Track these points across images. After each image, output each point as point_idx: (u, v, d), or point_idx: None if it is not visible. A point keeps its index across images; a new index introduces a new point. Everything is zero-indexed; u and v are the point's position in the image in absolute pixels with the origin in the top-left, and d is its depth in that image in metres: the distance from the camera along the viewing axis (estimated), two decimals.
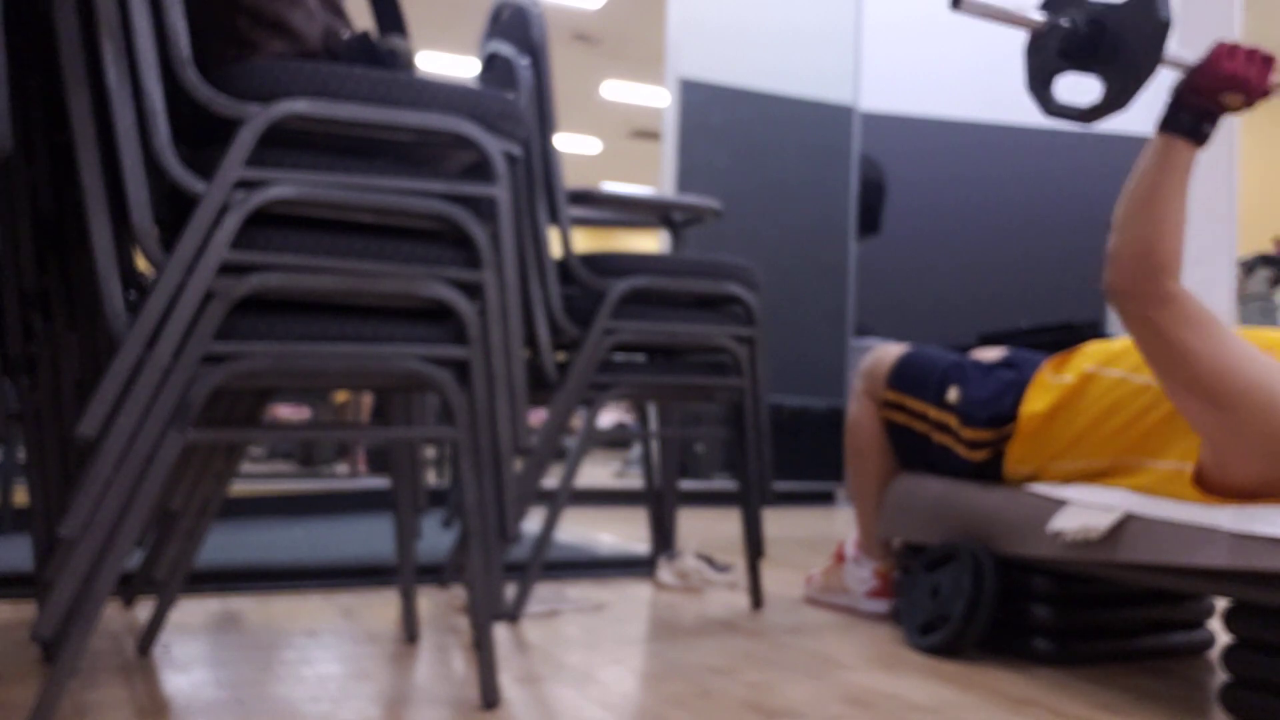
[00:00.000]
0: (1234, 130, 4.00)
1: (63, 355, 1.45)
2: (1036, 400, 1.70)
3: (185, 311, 1.14)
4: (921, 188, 4.77)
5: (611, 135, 10.98)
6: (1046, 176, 4.74)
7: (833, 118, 4.78)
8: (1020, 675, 1.57)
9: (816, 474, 4.65)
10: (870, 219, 4.76)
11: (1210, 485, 1.41)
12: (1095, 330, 3.48)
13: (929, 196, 4.76)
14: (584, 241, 2.21)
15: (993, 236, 4.78)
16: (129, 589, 1.90)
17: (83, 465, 1.20)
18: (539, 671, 1.52)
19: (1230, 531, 1.32)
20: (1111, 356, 1.63)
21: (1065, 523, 1.53)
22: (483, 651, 1.31)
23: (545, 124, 1.85)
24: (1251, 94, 1.38)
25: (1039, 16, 1.47)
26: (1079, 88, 1.45)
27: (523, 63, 1.72)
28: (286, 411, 6.17)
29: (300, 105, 1.18)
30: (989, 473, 1.77)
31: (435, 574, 2.17)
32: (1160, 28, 1.34)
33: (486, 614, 1.32)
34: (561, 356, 1.95)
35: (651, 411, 2.46)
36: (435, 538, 2.43)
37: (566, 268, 1.92)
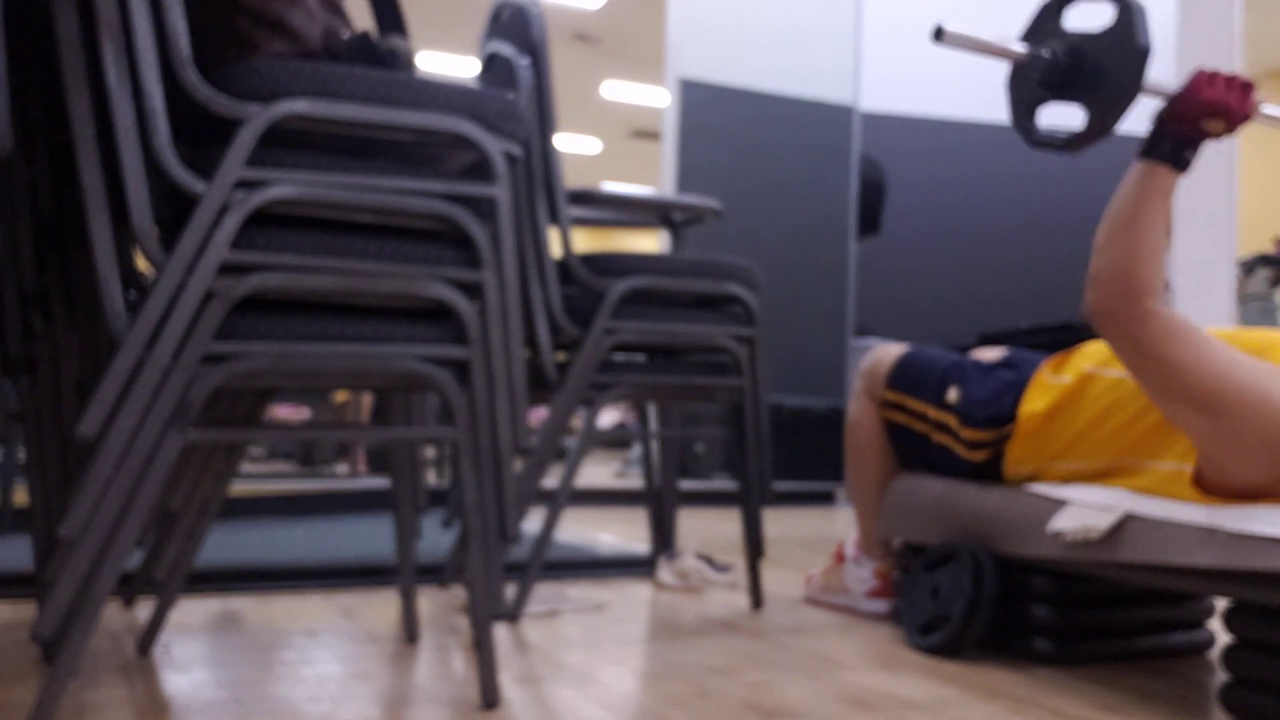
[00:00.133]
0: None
1: (63, 355, 1.45)
2: (1036, 400, 1.70)
3: (185, 311, 1.14)
4: (921, 188, 4.77)
5: (611, 135, 10.98)
6: (1046, 176, 4.74)
7: (833, 118, 4.78)
8: (1020, 675, 1.57)
9: (816, 474, 4.65)
10: (870, 219, 4.76)
11: (1209, 486, 1.41)
12: (1095, 331, 3.47)
13: (929, 196, 4.76)
14: (584, 241, 2.21)
15: (993, 236, 4.78)
16: (129, 589, 1.90)
17: (83, 465, 1.20)
18: (539, 671, 1.52)
19: (1230, 531, 1.32)
20: (1110, 357, 1.63)
21: (1065, 523, 1.53)
22: (483, 651, 1.31)
23: (545, 124, 1.85)
24: (1232, 120, 1.41)
25: (1020, 48, 1.48)
26: (1067, 112, 1.46)
27: (523, 63, 1.72)
28: (286, 411, 6.17)
29: (300, 105, 1.18)
30: (989, 473, 1.77)
31: (435, 574, 2.17)
32: (1140, 56, 1.36)
33: (486, 614, 1.32)
34: (561, 356, 1.95)
35: (651, 411, 2.46)
36: (435, 538, 2.43)
37: (566, 268, 1.92)
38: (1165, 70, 4.35)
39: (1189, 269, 4.10)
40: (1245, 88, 1.40)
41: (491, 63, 1.86)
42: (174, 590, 1.58)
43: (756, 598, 2.06)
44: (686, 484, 3.75)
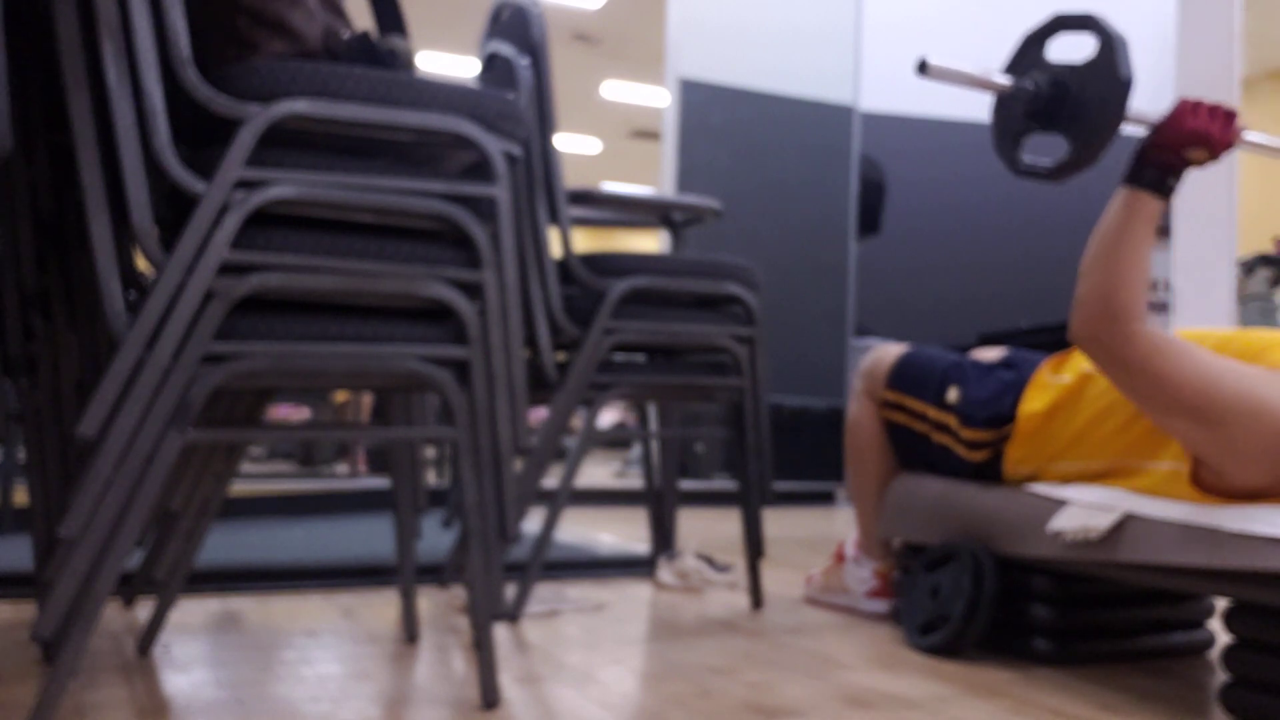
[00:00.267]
0: None
1: (63, 355, 1.45)
2: (1035, 400, 1.70)
3: (185, 311, 1.14)
4: (921, 188, 4.77)
5: (611, 135, 10.98)
6: None
7: (833, 118, 4.78)
8: (1020, 675, 1.57)
9: (816, 474, 4.65)
10: (870, 219, 4.76)
11: (1208, 487, 1.41)
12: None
13: (929, 196, 4.76)
14: (584, 241, 2.21)
15: (993, 236, 4.78)
16: (129, 589, 1.90)
17: (83, 465, 1.20)
18: (539, 671, 1.52)
19: (1230, 531, 1.32)
20: None
21: (1065, 523, 1.53)
22: (483, 651, 1.31)
23: (545, 124, 1.85)
24: (1214, 148, 1.43)
25: (1004, 80, 1.49)
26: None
27: (523, 63, 1.72)
28: (286, 411, 6.17)
29: (300, 105, 1.18)
30: (989, 473, 1.77)
31: (435, 574, 2.17)
32: (1122, 87, 1.38)
33: (486, 614, 1.32)
34: (561, 356, 1.95)
35: (651, 411, 2.46)
36: (435, 538, 2.43)
37: (566, 268, 1.92)
38: (1166, 71, 4.35)
39: (1189, 269, 4.10)
40: (1228, 116, 1.43)
41: (491, 63, 1.86)
42: (174, 590, 1.58)
43: (756, 598, 2.06)
44: (686, 484, 3.75)
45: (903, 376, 1.92)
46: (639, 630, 1.85)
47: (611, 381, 1.96)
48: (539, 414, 1.95)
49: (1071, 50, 1.47)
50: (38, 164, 1.39)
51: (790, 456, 4.37)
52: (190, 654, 1.56)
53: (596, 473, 6.24)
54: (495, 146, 1.31)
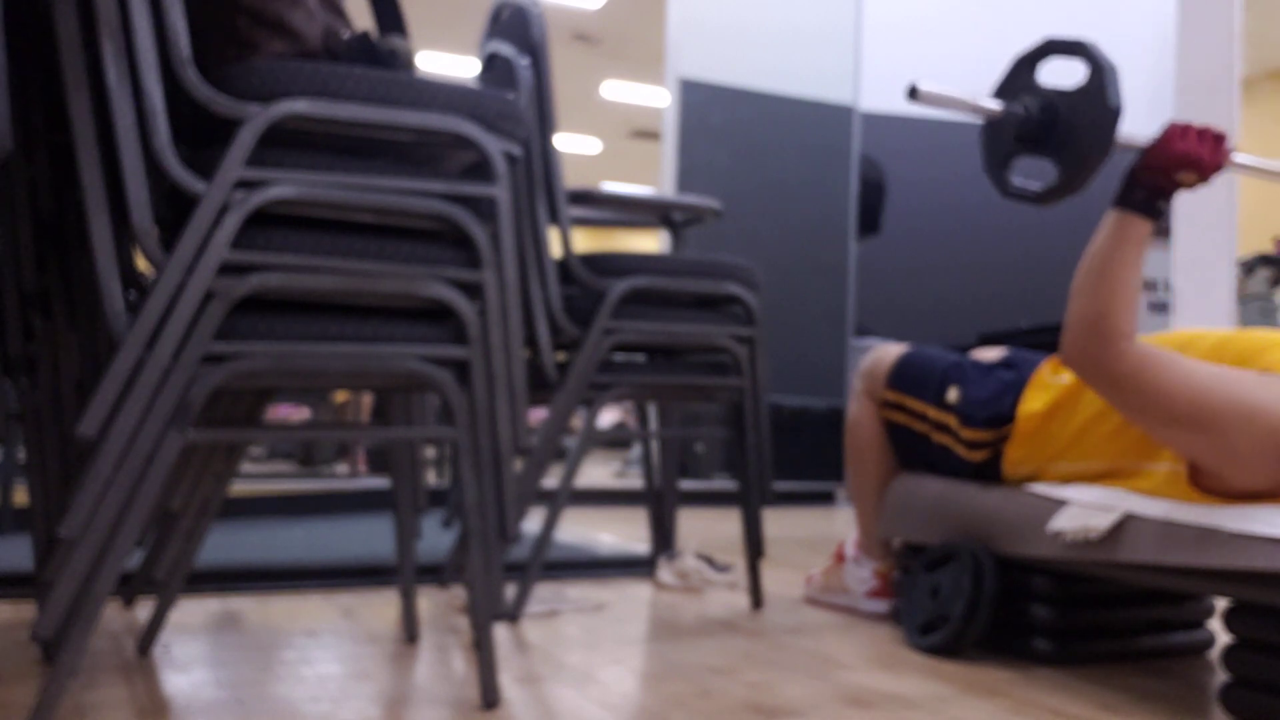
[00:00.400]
0: (1234, 131, 4.00)
1: (63, 355, 1.45)
2: (1034, 400, 1.70)
3: (185, 311, 1.14)
4: (921, 188, 4.76)
5: (611, 135, 10.98)
6: None
7: (833, 118, 4.78)
8: (1020, 675, 1.57)
9: (816, 474, 4.65)
10: (870, 219, 4.76)
11: (1207, 488, 1.41)
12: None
13: (929, 196, 4.76)
14: (584, 241, 2.21)
15: (993, 236, 4.78)
16: (129, 589, 1.90)
17: (83, 465, 1.20)
18: (539, 671, 1.52)
19: (1230, 531, 1.32)
20: None
21: (1065, 523, 1.53)
22: (483, 651, 1.31)
23: (545, 124, 1.85)
24: (1204, 171, 1.44)
25: (994, 104, 1.51)
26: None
27: (523, 63, 1.72)
28: (286, 411, 6.17)
29: (300, 105, 1.18)
30: (989, 473, 1.77)
31: (435, 574, 2.17)
32: (1111, 116, 1.40)
33: (486, 614, 1.32)
34: (561, 356, 1.95)
35: (651, 411, 2.46)
36: (435, 538, 2.43)
37: (566, 268, 1.92)
38: (1166, 71, 4.35)
39: (1189, 269, 4.10)
40: (1217, 139, 1.44)
41: (491, 63, 1.86)
42: (174, 590, 1.58)
43: (756, 598, 2.06)
44: (686, 484, 3.75)
45: (903, 376, 1.92)
46: (639, 630, 1.85)
47: (611, 381, 1.96)
48: (539, 414, 1.95)
49: (1068, 63, 1.47)
50: (38, 164, 1.39)
51: (790, 456, 4.37)
52: (190, 654, 1.56)
53: (596, 473, 6.24)
54: (495, 146, 1.31)
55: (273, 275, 1.19)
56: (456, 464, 1.40)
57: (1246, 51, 4.20)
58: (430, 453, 4.27)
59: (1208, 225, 4.03)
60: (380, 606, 1.96)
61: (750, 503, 2.06)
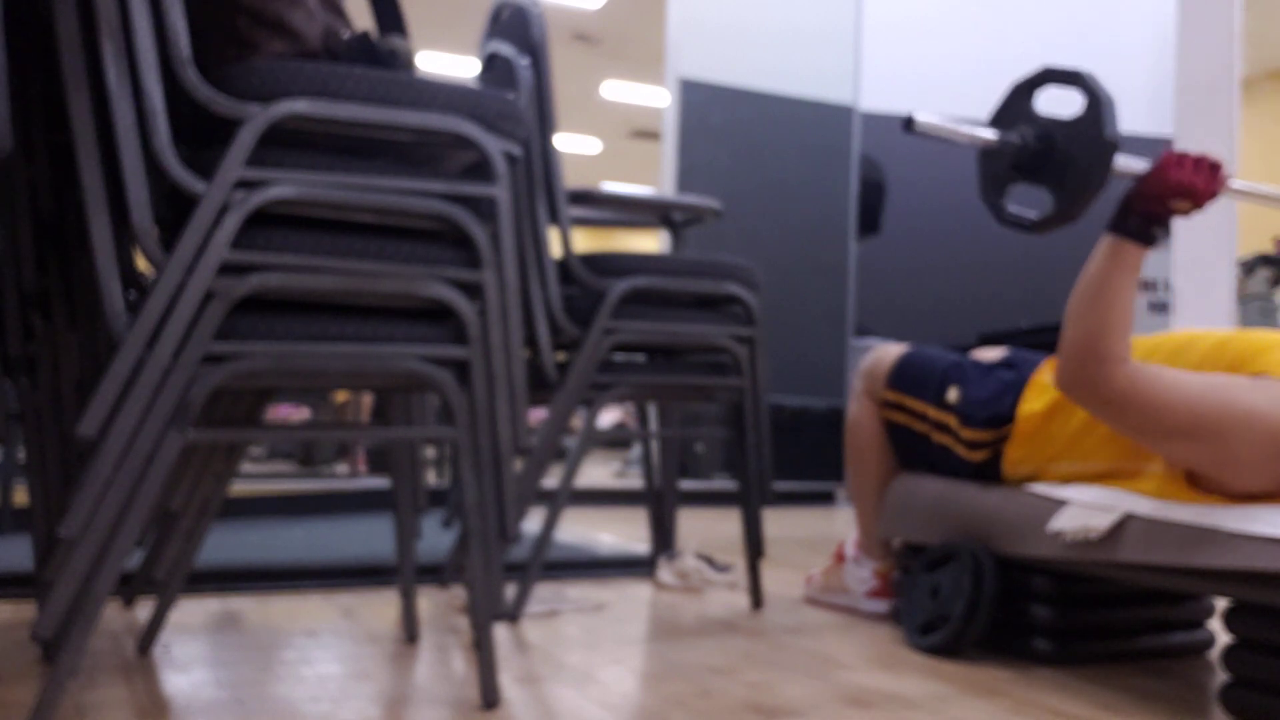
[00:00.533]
0: (1234, 130, 4.00)
1: (63, 355, 1.45)
2: (1034, 400, 1.70)
3: (185, 311, 1.14)
4: (921, 188, 4.76)
5: (611, 135, 10.98)
6: None
7: (833, 118, 4.78)
8: (1020, 675, 1.57)
9: (816, 474, 4.65)
10: (870, 219, 4.76)
11: (1207, 489, 1.41)
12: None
13: (929, 196, 4.76)
14: (584, 241, 2.21)
15: (993, 236, 4.75)
16: (129, 589, 1.90)
17: (83, 465, 1.20)
18: (539, 671, 1.52)
19: (1230, 531, 1.32)
20: None
21: (1065, 523, 1.53)
22: (483, 651, 1.31)
23: (545, 124, 1.85)
24: (1199, 199, 1.44)
25: (991, 133, 1.52)
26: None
27: (523, 63, 1.72)
28: (286, 411, 6.17)
29: (300, 105, 1.18)
30: (989, 473, 1.77)
31: (435, 574, 2.17)
32: (1108, 148, 1.40)
33: (486, 614, 1.32)
34: (561, 356, 1.95)
35: (651, 411, 2.46)
36: (435, 538, 2.43)
37: (566, 268, 1.92)
38: (1166, 71, 4.35)
39: (1189, 269, 4.09)
40: (1213, 168, 1.44)
41: (491, 63, 1.86)
42: (174, 590, 1.58)
43: (756, 598, 2.06)
44: (686, 484, 3.75)
45: (903, 376, 1.92)
46: (639, 630, 1.85)
47: (611, 381, 1.96)
48: (539, 414, 1.95)
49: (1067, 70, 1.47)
50: (38, 164, 1.39)
51: (790, 456, 4.37)
52: (190, 654, 1.56)
53: (596, 473, 6.24)
54: (495, 146, 1.31)
55: (273, 275, 1.19)
56: (456, 464, 1.40)
57: (1246, 51, 4.20)
58: (430, 453, 4.27)
59: (1208, 225, 4.02)
60: (380, 606, 1.96)
61: (750, 503, 2.06)
